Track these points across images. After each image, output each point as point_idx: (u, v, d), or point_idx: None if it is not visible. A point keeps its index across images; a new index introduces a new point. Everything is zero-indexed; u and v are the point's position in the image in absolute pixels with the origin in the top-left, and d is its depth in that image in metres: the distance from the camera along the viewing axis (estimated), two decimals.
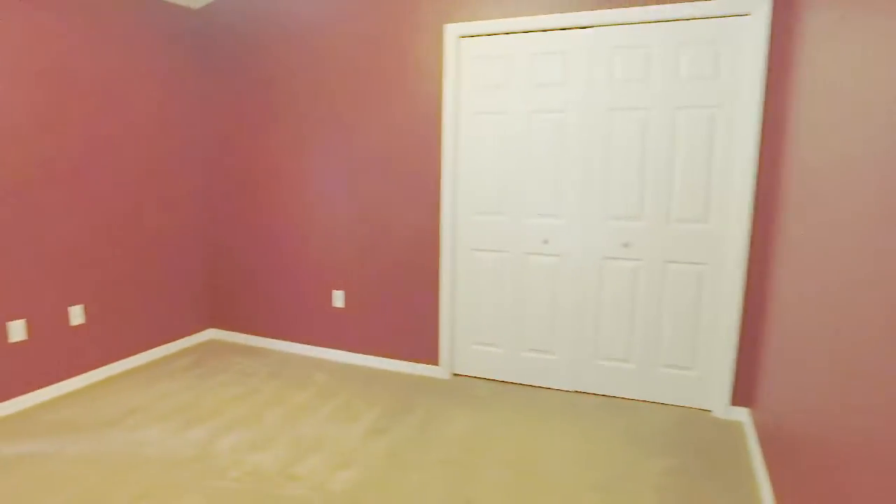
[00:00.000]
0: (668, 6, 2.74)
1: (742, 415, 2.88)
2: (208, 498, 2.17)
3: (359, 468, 2.40)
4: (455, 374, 3.48)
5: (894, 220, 1.16)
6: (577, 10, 2.91)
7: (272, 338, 3.96)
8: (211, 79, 3.86)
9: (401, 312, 3.50)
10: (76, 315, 3.21)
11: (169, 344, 3.85)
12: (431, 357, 3.46)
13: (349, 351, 3.68)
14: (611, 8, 2.85)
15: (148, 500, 2.16)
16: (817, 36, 2.03)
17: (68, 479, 2.29)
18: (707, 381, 2.98)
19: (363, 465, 2.43)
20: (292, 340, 3.88)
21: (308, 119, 3.57)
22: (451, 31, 3.15)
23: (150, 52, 3.53)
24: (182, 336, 3.96)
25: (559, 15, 2.95)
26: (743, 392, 2.87)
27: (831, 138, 1.72)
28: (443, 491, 2.24)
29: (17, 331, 2.92)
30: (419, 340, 3.48)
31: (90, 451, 2.53)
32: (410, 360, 3.52)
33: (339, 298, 3.65)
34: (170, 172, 3.75)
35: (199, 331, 4.10)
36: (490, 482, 2.30)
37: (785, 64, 2.58)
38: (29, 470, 2.36)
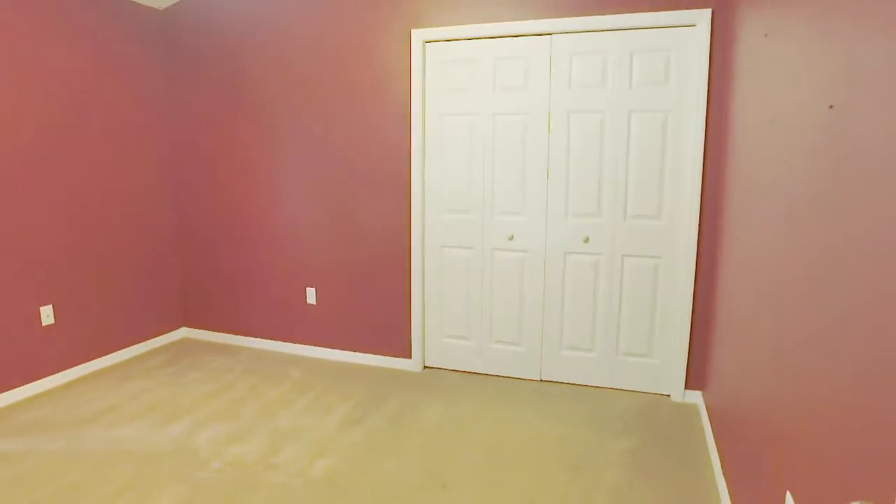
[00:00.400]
0: (623, 16, 2.93)
1: (696, 397, 3.09)
2: (192, 488, 2.25)
3: (336, 456, 2.50)
4: (426, 367, 3.61)
5: (822, 221, 1.34)
6: (537, 18, 3.07)
7: (245, 335, 4.01)
8: (180, 78, 3.89)
9: (373, 308, 3.61)
10: (47, 315, 3.21)
11: (142, 343, 3.86)
12: (403, 351, 3.58)
13: (322, 346, 3.77)
14: (569, 16, 3.01)
15: (132, 491, 2.22)
16: (749, 49, 2.23)
17: (50, 475, 2.33)
18: (664, 368, 3.18)
19: (340, 453, 2.53)
20: (266, 337, 3.94)
21: (279, 119, 3.65)
22: (418, 35, 3.27)
23: (116, 50, 3.55)
24: (155, 335, 3.98)
25: (520, 22, 3.10)
26: (697, 376, 3.09)
27: (764, 143, 1.91)
28: (419, 475, 2.36)
29: (311, 296, 2.92)
30: (391, 335, 3.60)
31: (69, 447, 2.57)
32: (383, 354, 3.63)
33: (311, 295, 3.73)
34: (140, 171, 3.77)
35: (171, 330, 4.12)
36: (464, 466, 2.44)
37: (726, 72, 2.78)
38: (8, 467, 2.39)
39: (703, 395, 2.98)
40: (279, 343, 3.90)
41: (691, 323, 3.05)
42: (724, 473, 2.23)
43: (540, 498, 2.20)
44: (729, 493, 2.10)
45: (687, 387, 3.11)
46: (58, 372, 3.29)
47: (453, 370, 3.56)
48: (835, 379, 1.12)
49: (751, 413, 1.84)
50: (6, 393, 3.02)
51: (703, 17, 2.81)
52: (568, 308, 3.31)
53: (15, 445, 2.59)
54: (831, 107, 1.17)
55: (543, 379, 3.41)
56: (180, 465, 2.42)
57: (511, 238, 3.34)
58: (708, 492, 2.24)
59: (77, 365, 3.41)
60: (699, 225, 2.97)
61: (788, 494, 1.37)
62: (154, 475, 2.34)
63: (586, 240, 3.21)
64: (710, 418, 2.70)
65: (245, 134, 3.76)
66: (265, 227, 3.81)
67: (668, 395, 3.19)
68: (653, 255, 3.13)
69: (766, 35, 1.91)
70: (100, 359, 3.56)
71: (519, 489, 2.26)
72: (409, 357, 3.58)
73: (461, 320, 3.50)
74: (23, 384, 3.10)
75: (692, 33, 2.88)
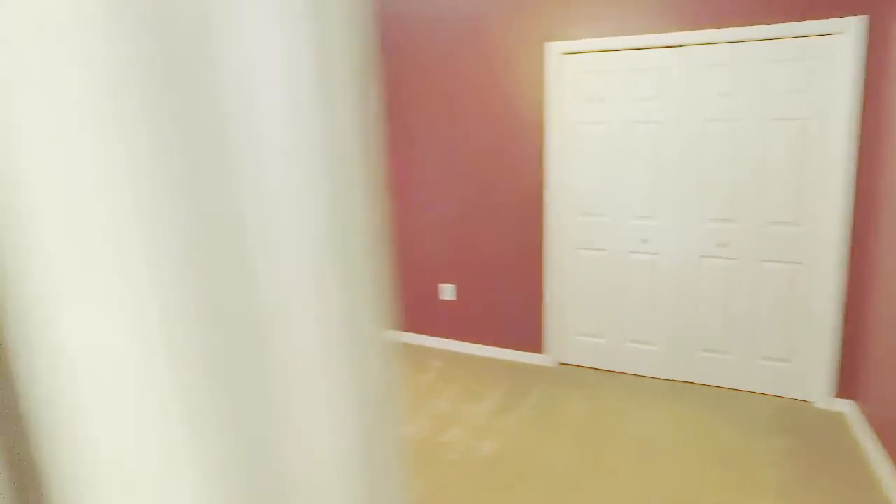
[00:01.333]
0: (757, 27, 2.95)
1: (844, 406, 3.07)
2: None
3: (498, 439, 2.72)
4: (561, 363, 3.78)
5: None
6: (670, 31, 3.17)
7: None
8: None
9: (508, 305, 3.82)
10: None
11: None
12: (537, 347, 3.77)
13: (459, 340, 4.03)
14: (703, 29, 3.09)
15: None
16: None
17: None
18: (806, 374, 3.18)
19: (501, 436, 2.75)
20: (401, 330, 4.25)
21: (418, 124, 3.93)
22: (553, 48, 3.45)
23: None
24: None
25: (653, 35, 3.20)
26: (846, 385, 3.06)
27: None
28: (579, 459, 2.54)
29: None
30: (526, 331, 3.79)
31: None
32: (518, 349, 3.84)
33: (448, 292, 4.00)
34: None
35: None
36: (619, 455, 2.59)
37: (882, 80, 2.76)
38: None
39: (858, 405, 2.96)
40: (414, 335, 4.19)
41: (842, 331, 3.03)
42: None
43: (704, 488, 2.32)
44: None
45: (835, 395, 3.09)
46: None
47: (587, 367, 3.71)
48: None
49: None
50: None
51: (851, 25, 2.81)
52: (702, 310, 3.37)
53: None
54: None
55: (677, 379, 3.49)
56: None
57: (645, 241, 3.45)
58: (873, 488, 2.28)
59: None
60: (850, 233, 2.96)
61: None
62: None
63: (723, 244, 3.27)
64: (870, 425, 2.69)
65: (385, 137, 4.07)
66: (401, 227, 4.11)
67: (810, 402, 3.19)
68: (792, 261, 3.14)
69: None
70: None
71: (679, 478, 2.39)
72: (543, 353, 3.76)
73: (594, 319, 3.65)
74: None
75: (838, 41, 2.88)
